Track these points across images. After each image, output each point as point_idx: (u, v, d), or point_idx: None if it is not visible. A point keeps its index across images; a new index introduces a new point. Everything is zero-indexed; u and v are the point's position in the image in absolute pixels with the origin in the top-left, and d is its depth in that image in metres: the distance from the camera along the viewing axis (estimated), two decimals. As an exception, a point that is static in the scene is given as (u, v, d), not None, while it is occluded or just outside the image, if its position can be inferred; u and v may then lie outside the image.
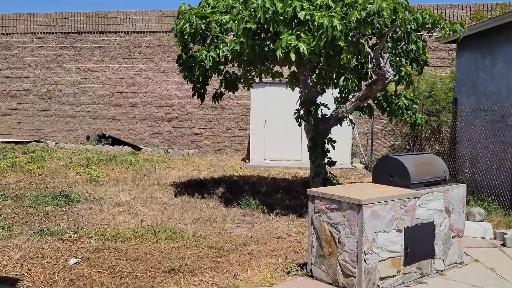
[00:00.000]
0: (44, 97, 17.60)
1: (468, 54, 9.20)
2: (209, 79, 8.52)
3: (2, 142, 16.54)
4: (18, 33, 17.72)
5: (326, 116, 7.90)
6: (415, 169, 4.80)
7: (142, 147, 16.12)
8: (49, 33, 17.46)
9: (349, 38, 6.07)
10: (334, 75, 8.12)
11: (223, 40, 7.28)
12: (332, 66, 7.33)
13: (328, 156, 7.88)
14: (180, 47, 7.57)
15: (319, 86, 8.35)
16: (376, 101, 7.95)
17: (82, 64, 17.23)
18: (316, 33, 6.06)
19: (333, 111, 8.19)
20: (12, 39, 17.75)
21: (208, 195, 8.60)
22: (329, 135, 7.99)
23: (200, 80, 8.26)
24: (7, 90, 17.89)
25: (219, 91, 9.11)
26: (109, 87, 17.10)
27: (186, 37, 7.40)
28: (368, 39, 6.81)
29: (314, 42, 6.09)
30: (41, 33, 17.53)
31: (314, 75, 8.56)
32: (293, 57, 6.18)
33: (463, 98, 9.41)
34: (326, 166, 8.06)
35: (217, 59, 7.23)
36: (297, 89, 9.68)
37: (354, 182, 10.51)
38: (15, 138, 17.61)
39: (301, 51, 6.12)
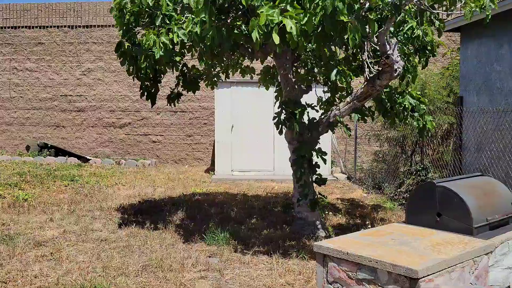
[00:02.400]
0: (-25, 101, 15.21)
1: (478, 43, 7.65)
2: (162, 76, 6.63)
3: None
4: None
5: (315, 121, 6.13)
6: (477, 203, 3.09)
7: (90, 158, 13.99)
8: (-20, 27, 15.09)
9: (354, 11, 4.32)
10: (322, 68, 6.37)
11: (178, 21, 5.42)
12: (323, 55, 5.58)
13: (317, 172, 6.11)
14: (121, 32, 5.64)
15: (303, 82, 6.58)
16: (376, 101, 6.23)
17: (19, 64, 14.94)
18: (308, 5, 4.29)
19: (321, 114, 6.45)
20: None
21: (163, 223, 6.69)
22: (318, 145, 6.24)
23: (150, 76, 6.36)
24: None
25: (175, 90, 7.23)
26: (51, 90, 14.88)
27: (128, 17, 5.50)
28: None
29: (306, 18, 4.31)
30: (-30, 27, 15.14)
31: (294, 68, 6.81)
32: (276, 39, 4.38)
33: (471, 97, 7.85)
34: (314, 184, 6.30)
35: (170, 46, 5.36)
36: (271, 90, 7.94)
37: (342, 200, 8.81)
38: None
39: (288, 32, 4.33)
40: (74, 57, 14.72)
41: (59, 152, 14.43)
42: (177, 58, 6.08)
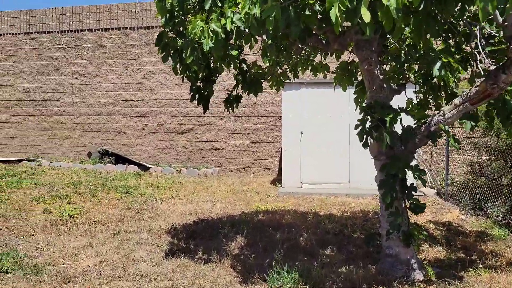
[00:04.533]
0: (40, 107, 14.96)
1: None
2: (217, 75, 5.47)
3: (-12, 161, 13.96)
4: (10, 34, 15.17)
5: (410, 130, 4.71)
6: None
7: (150, 166, 13.22)
8: (44, 32, 14.83)
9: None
10: (417, 61, 4.92)
11: (232, 2, 4.22)
12: (424, 43, 4.18)
13: (412, 196, 4.68)
14: (163, 20, 4.52)
15: (394, 80, 5.18)
16: (497, 103, 4.67)
17: (81, 68, 14.52)
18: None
19: (416, 122, 5.02)
20: (4, 41, 15.22)
21: (217, 253, 5.52)
22: (414, 161, 4.81)
23: (202, 75, 5.22)
24: (-2, 100, 15.35)
25: (234, 93, 6.06)
26: (113, 94, 14.31)
27: (171, 1, 4.38)
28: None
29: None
30: (35, 32, 14.92)
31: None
32: (366, 15, 3.07)
33: None
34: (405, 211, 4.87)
35: (223, 35, 4.17)
36: (346, 91, 6.56)
37: (436, 223, 7.24)
38: (8, 156, 15.02)
39: (383, 5, 3.00)
40: (136, 60, 14.06)
41: (119, 159, 13.81)
42: (234, 52, 4.90)
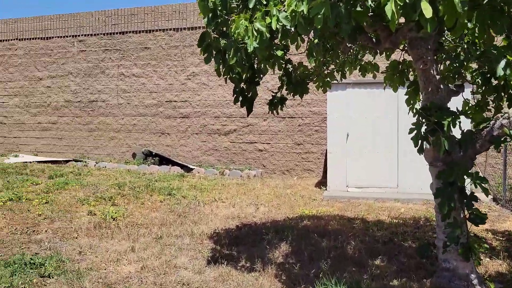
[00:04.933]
0: (86, 108, 15.22)
1: None
2: (261, 76, 5.25)
3: (38, 162, 14.30)
4: (58, 37, 15.52)
5: (471, 134, 4.34)
6: None
7: (193, 167, 13.18)
8: (91, 35, 15.08)
9: None
10: (478, 59, 4.54)
11: (278, 0, 3.99)
12: (487, 40, 3.82)
13: (473, 206, 4.30)
14: (205, 19, 4.35)
15: (453, 80, 4.82)
16: None
17: (126, 70, 14.66)
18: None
19: (475, 125, 4.64)
20: (52, 44, 15.59)
21: (261, 261, 5.31)
22: (474, 168, 4.44)
23: (246, 76, 5.02)
24: (47, 102, 15.72)
25: (278, 94, 5.83)
26: (157, 96, 14.38)
27: (214, 0, 4.20)
28: None
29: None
30: (82, 35, 15.20)
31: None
32: (428, 11, 2.78)
33: None
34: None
35: (268, 35, 3.95)
36: (389, 92, 6.20)
37: (494, 232, 6.77)
38: (56, 156, 15.38)
39: (447, 0, 2.71)
40: (179, 61, 14.06)
41: (163, 160, 13.86)
42: (279, 53, 4.67)
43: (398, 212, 8.06)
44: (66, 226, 6.94)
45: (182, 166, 13.29)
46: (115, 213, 7.59)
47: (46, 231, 6.70)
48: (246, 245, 6.08)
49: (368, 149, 9.87)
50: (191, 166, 13.20)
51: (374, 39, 4.94)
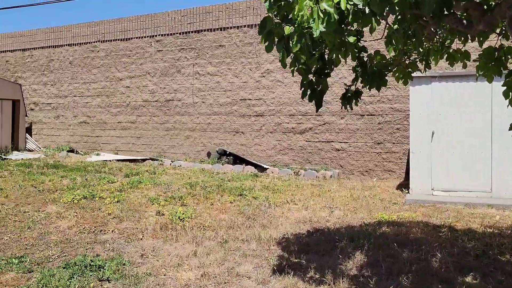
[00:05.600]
0: (163, 108, 15.38)
1: None
2: (332, 67, 4.70)
3: (117, 160, 14.65)
4: (136, 38, 15.83)
5: None
6: None
7: (267, 166, 12.81)
8: (167, 34, 15.21)
9: None
10: None
11: (347, -24, 3.44)
12: None
13: None
14: (267, 3, 3.89)
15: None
16: None
17: (201, 68, 14.61)
18: None
19: None
20: (131, 45, 15.92)
21: (332, 273, 4.77)
22: None
23: (315, 67, 4.51)
24: (126, 102, 16.09)
25: (352, 88, 5.25)
26: (231, 94, 14.18)
27: (276, -19, 3.74)
28: None
29: None
30: (159, 35, 15.38)
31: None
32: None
33: None
34: None
35: (336, 17, 3.42)
36: (483, 83, 5.36)
37: None
38: (134, 155, 15.71)
39: None
40: (253, 58, 13.76)
41: (237, 159, 13.63)
42: (351, 39, 4.11)
43: (492, 220, 7.13)
44: (133, 227, 6.80)
45: (256, 166, 12.97)
46: (183, 214, 7.36)
47: (112, 231, 6.59)
48: (317, 253, 5.56)
49: (456, 149, 8.93)
50: (265, 166, 12.85)
51: (464, 21, 4.23)
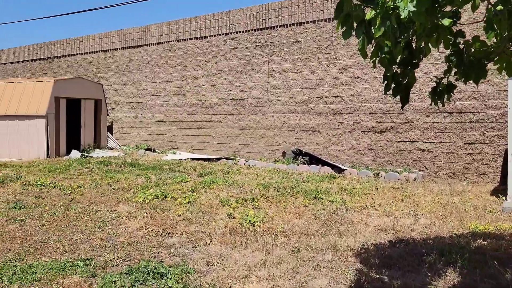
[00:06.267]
0: (238, 106, 15.15)
1: None
2: (421, 56, 4.06)
3: (192, 159, 14.62)
4: (212, 36, 15.73)
5: None
6: None
7: (345, 167, 12.14)
8: (242, 31, 14.95)
9: None
10: None
11: None
12: None
13: None
14: (344, -18, 3.35)
15: None
16: None
17: (277, 65, 14.19)
18: None
19: None
20: (207, 43, 15.85)
21: (419, 295, 4.14)
22: None
23: (398, 57, 3.89)
24: (202, 100, 16.05)
25: (444, 81, 4.55)
26: (307, 91, 13.64)
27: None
28: None
29: None
30: (234, 32, 15.16)
31: None
32: None
33: None
34: None
35: (430, -7, 2.82)
36: None
37: None
38: (209, 154, 15.63)
39: None
40: (331, 53, 13.12)
41: (312, 159, 13.07)
42: (445, 22, 3.47)
43: None
44: (202, 230, 6.50)
45: (333, 167, 12.35)
46: (254, 217, 6.97)
47: (180, 234, 6.32)
48: (401, 268, 4.92)
49: None
50: (342, 167, 12.18)
51: None
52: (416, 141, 11.76)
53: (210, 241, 5.99)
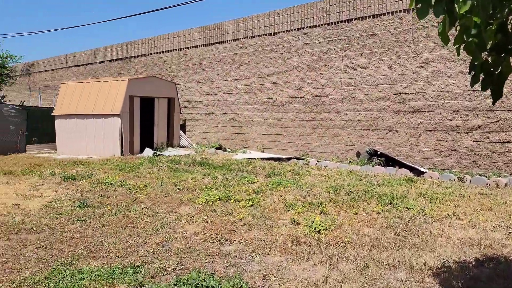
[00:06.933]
0: (309, 104, 14.54)
1: None
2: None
3: (262, 158, 14.23)
4: (283, 31, 15.22)
5: None
6: None
7: (425, 170, 11.17)
8: (315, 26, 14.31)
9: None
10: None
11: None
12: None
13: None
14: None
15: None
16: None
17: (351, 61, 13.43)
18: None
19: None
20: (278, 39, 15.37)
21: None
22: None
23: (489, 42, 3.17)
24: (273, 98, 15.61)
25: (548, 70, 3.72)
26: (383, 88, 12.75)
27: None
28: None
29: None
30: (306, 27, 14.56)
31: None
32: None
33: None
34: None
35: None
36: None
37: None
38: (280, 153, 15.17)
39: None
40: (410, 47, 12.16)
41: (389, 161, 12.19)
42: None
43: None
44: (262, 237, 6.03)
45: (411, 169, 11.41)
46: (320, 224, 6.38)
47: (239, 241, 5.89)
48: (490, 294, 4.15)
49: None
50: (422, 169, 11.22)
51: None
52: (508, 142, 10.54)
53: (270, 251, 5.50)
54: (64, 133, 16.81)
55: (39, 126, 18.31)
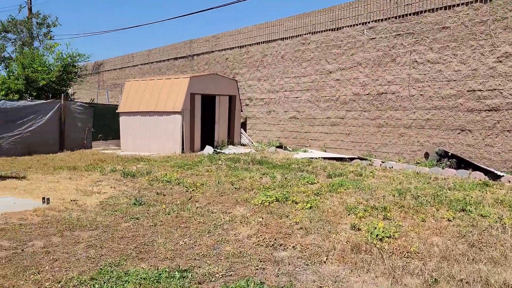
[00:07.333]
0: (374, 102, 13.85)
1: None
2: None
3: (323, 158, 13.72)
4: (347, 26, 14.61)
5: None
6: None
7: (502, 174, 10.24)
8: (381, 20, 13.60)
9: None
10: None
11: None
12: None
13: None
14: None
15: None
16: None
17: (420, 56, 12.62)
18: None
19: None
20: (342, 34, 14.78)
21: None
22: None
23: None
24: (336, 96, 15.04)
25: None
26: (455, 85, 11.87)
27: None
28: None
29: None
30: (372, 21, 13.87)
31: None
32: None
33: None
34: None
35: None
36: None
37: None
38: (342, 153, 14.59)
39: None
40: (487, 39, 11.22)
41: (461, 163, 11.33)
42: None
43: None
44: (319, 243, 5.60)
45: (486, 172, 10.50)
46: (383, 231, 5.87)
47: (294, 246, 5.50)
48: None
49: None
50: (499, 173, 10.29)
51: None
52: None
53: (326, 259, 5.07)
54: (127, 130, 17.12)
55: (105, 123, 18.78)
